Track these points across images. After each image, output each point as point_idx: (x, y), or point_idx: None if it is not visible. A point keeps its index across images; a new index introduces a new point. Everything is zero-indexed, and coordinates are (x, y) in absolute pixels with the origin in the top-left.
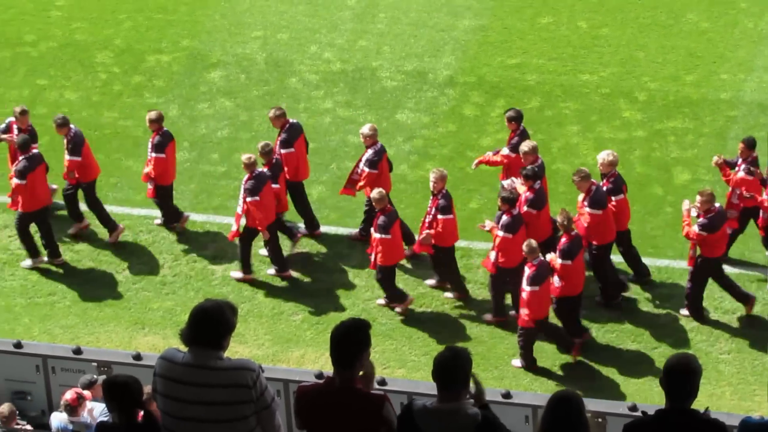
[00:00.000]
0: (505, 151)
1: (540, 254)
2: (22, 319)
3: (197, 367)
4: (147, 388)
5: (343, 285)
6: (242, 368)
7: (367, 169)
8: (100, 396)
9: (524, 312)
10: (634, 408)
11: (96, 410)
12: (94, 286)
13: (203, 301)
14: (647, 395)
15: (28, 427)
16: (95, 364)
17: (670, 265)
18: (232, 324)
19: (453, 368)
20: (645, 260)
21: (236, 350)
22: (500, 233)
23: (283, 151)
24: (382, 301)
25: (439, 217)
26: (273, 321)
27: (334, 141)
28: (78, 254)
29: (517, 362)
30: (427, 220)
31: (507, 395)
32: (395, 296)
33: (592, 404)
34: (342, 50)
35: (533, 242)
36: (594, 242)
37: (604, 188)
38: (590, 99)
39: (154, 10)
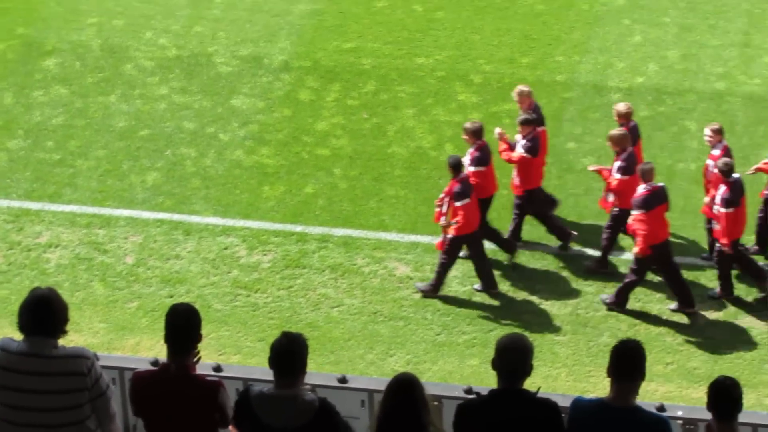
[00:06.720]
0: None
1: None
2: None
3: (33, 356)
4: None
5: (177, 272)
6: (77, 356)
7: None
8: None
9: None
10: (469, 391)
11: None
12: None
13: (35, 288)
14: (483, 377)
15: None
16: None
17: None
18: (66, 312)
19: (290, 354)
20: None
21: (71, 339)
22: None
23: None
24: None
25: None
26: (108, 309)
27: (169, 127)
28: None
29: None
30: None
31: (343, 380)
32: None
33: (427, 387)
34: (177, 36)
35: None
36: None
37: None
38: (426, 82)
39: None
